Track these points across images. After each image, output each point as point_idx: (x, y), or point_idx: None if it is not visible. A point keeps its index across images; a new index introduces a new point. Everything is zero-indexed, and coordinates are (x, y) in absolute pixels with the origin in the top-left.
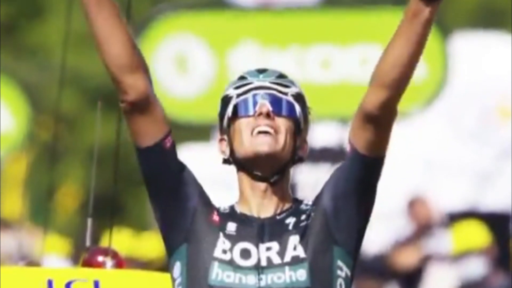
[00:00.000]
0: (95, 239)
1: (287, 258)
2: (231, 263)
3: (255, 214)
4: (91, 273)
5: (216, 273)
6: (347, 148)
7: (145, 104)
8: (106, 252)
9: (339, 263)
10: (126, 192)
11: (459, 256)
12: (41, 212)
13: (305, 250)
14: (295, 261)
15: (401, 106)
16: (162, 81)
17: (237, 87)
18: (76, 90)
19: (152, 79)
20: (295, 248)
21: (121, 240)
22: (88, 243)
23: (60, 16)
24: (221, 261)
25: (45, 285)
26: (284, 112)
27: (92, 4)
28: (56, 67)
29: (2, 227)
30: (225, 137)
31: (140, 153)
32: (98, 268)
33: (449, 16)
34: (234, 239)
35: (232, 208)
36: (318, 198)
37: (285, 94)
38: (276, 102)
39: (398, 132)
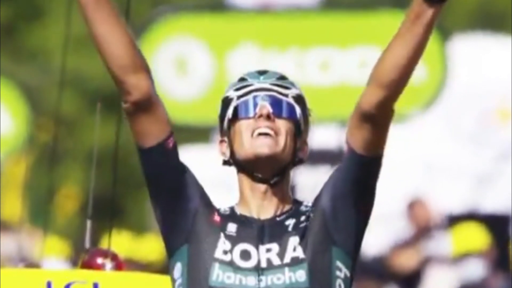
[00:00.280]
0: (95, 241)
1: (287, 259)
2: (231, 264)
3: (255, 216)
4: (90, 275)
5: (217, 274)
6: (345, 148)
7: (148, 104)
8: (106, 254)
9: (338, 263)
10: (125, 194)
11: (458, 258)
12: (40, 214)
13: (304, 251)
14: (295, 262)
15: (401, 108)
16: (162, 83)
17: (237, 89)
18: (75, 93)
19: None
20: (294, 249)
21: (120, 242)
22: (87, 245)
23: (60, 19)
24: (222, 262)
25: (44, 287)
26: (284, 114)
27: (90, 6)
28: (55, 69)
29: (2, 229)
30: (226, 138)
31: (142, 153)
32: (98, 270)
33: (448, 19)
34: (234, 240)
35: (232, 209)
36: (317, 199)
37: (286, 95)
38: (276, 103)
39: (398, 134)
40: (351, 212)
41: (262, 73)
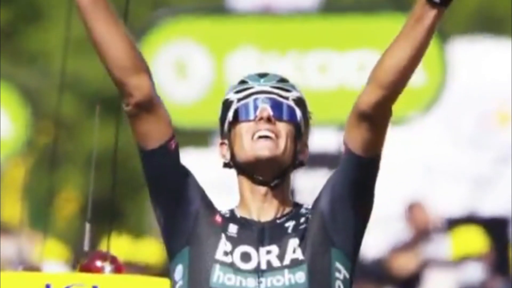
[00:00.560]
0: (94, 244)
1: (287, 261)
2: (232, 266)
3: (255, 218)
4: (90, 278)
5: (218, 275)
6: (342, 149)
7: (150, 105)
8: (105, 257)
9: (337, 265)
10: (125, 197)
11: (457, 261)
12: (40, 217)
13: (304, 253)
14: (294, 264)
15: (400, 111)
16: (161, 87)
17: (238, 91)
18: (75, 96)
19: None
20: (294, 251)
21: (120, 245)
22: (86, 248)
23: (59, 22)
24: (223, 263)
25: None
26: (285, 116)
27: (88, 8)
28: (55, 72)
29: (2, 232)
30: (226, 141)
31: (144, 156)
32: (97, 273)
33: (448, 22)
34: (235, 242)
35: (232, 212)
36: (316, 201)
37: (286, 98)
38: (277, 106)
39: (397, 137)
40: (349, 213)
41: (262, 75)
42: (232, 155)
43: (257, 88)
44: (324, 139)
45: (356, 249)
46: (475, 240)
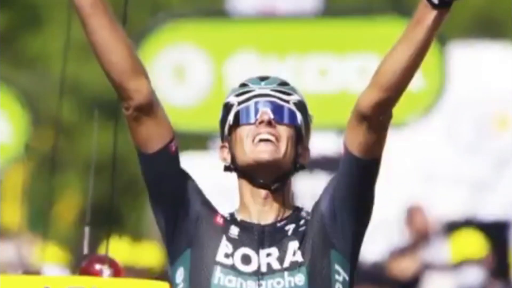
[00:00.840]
0: (93, 247)
1: (286, 264)
2: (232, 268)
3: (255, 221)
4: (88, 282)
5: (218, 277)
6: (342, 151)
7: (150, 108)
8: (103, 260)
9: (337, 267)
10: (124, 201)
11: (456, 265)
12: (40, 221)
13: (303, 255)
14: (294, 266)
15: (399, 115)
16: (161, 91)
17: (238, 95)
18: (75, 100)
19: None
20: (294, 254)
21: (119, 248)
22: (85, 251)
23: (59, 26)
24: (223, 265)
25: None
26: (285, 120)
27: (86, 11)
28: (55, 77)
29: (2, 236)
30: (226, 144)
31: (144, 160)
32: (96, 277)
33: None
34: (236, 244)
35: (232, 215)
36: (316, 204)
37: (287, 102)
38: (277, 109)
39: (396, 141)
40: (349, 216)
41: (263, 79)
42: (233, 158)
43: (258, 91)
44: (324, 143)
45: (355, 252)
46: (474, 244)
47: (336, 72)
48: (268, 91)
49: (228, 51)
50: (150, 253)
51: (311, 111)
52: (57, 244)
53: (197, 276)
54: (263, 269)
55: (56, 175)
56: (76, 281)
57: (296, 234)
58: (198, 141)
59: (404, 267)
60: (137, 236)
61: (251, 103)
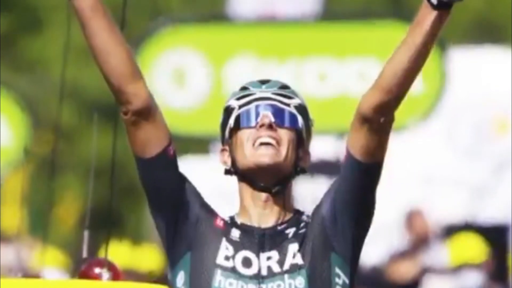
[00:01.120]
0: (93, 251)
1: (286, 266)
2: (233, 271)
3: (256, 224)
4: (88, 285)
5: (219, 280)
6: (344, 154)
7: (148, 112)
8: (103, 264)
9: (337, 270)
10: (124, 204)
11: (456, 269)
12: (39, 224)
13: (304, 258)
14: (294, 269)
15: (398, 119)
16: (160, 94)
17: (239, 98)
18: (74, 104)
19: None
20: (294, 256)
21: (119, 252)
22: (85, 255)
23: (59, 30)
24: (224, 268)
25: None
26: (286, 123)
27: (87, 14)
28: (55, 80)
29: (2, 240)
30: (227, 147)
31: (143, 164)
32: (95, 280)
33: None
34: (237, 246)
35: (232, 218)
36: (317, 207)
37: (288, 105)
38: (278, 113)
39: (395, 145)
40: (350, 219)
41: (264, 82)
42: (233, 162)
43: (259, 94)
44: (323, 147)
45: (356, 255)
46: (473, 248)
47: (336, 76)
48: (269, 95)
49: (228, 55)
50: (150, 257)
51: (310, 115)
52: (56, 248)
53: (197, 279)
54: (264, 272)
55: (56, 179)
56: (76, 285)
57: (296, 237)
58: (198, 145)
59: (404, 271)
60: (137, 239)
61: (252, 106)
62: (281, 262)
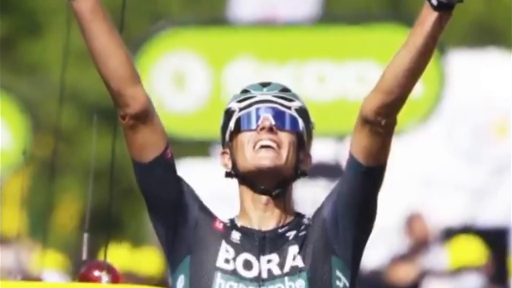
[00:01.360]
0: (93, 254)
1: (287, 269)
2: (234, 273)
3: (256, 227)
4: None
5: (219, 283)
6: (347, 158)
7: (146, 116)
8: (102, 266)
9: (338, 273)
10: (124, 207)
11: (456, 272)
12: (39, 227)
13: (304, 260)
14: (294, 271)
15: (397, 122)
16: (160, 97)
17: (240, 101)
18: (74, 107)
19: (149, 95)
20: (294, 258)
21: (119, 254)
22: (84, 257)
23: (59, 33)
24: (224, 271)
25: None
26: (287, 126)
27: (86, 16)
28: (54, 83)
29: (1, 242)
30: (228, 150)
31: (141, 169)
32: (94, 283)
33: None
34: (238, 248)
35: (232, 221)
36: (319, 210)
37: (288, 108)
38: (279, 116)
39: (395, 148)
40: (351, 222)
41: (265, 85)
42: (234, 165)
43: (260, 97)
44: (322, 150)
45: (357, 259)
46: (473, 251)
47: (335, 79)
48: (269, 97)
49: (227, 58)
50: (150, 260)
51: (311, 117)
52: (56, 250)
53: (197, 283)
54: (264, 275)
55: (56, 181)
56: (75, 287)
57: (296, 239)
58: (198, 148)
59: (404, 274)
60: (136, 242)
61: (253, 109)
62: (281, 265)
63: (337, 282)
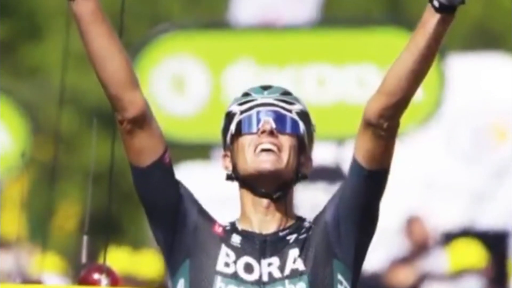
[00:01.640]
0: (93, 257)
1: (287, 272)
2: (234, 277)
3: (257, 231)
4: None
5: (219, 287)
6: (351, 161)
7: (143, 120)
8: (102, 269)
9: (339, 277)
10: (124, 210)
11: (455, 275)
12: (39, 230)
13: (305, 263)
14: (295, 274)
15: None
16: (160, 101)
17: (241, 104)
18: (74, 110)
19: (148, 98)
20: (294, 261)
21: (118, 258)
22: (84, 260)
23: (59, 36)
24: (224, 275)
25: None
26: (288, 129)
27: (86, 18)
28: (54, 87)
29: (1, 246)
30: (228, 153)
31: (139, 173)
32: (94, 286)
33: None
34: (238, 252)
35: (232, 225)
36: (321, 213)
37: (289, 111)
38: (280, 119)
39: (395, 152)
40: (353, 226)
41: (266, 88)
42: (234, 168)
43: (260, 100)
44: (322, 153)
45: (358, 262)
46: (473, 254)
47: (335, 82)
48: (270, 101)
49: (227, 61)
50: (150, 263)
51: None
52: (56, 254)
53: (197, 287)
54: (265, 278)
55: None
56: None
57: (296, 242)
58: (198, 151)
59: (403, 277)
60: (136, 245)
61: (253, 112)
62: (281, 268)
63: (339, 286)
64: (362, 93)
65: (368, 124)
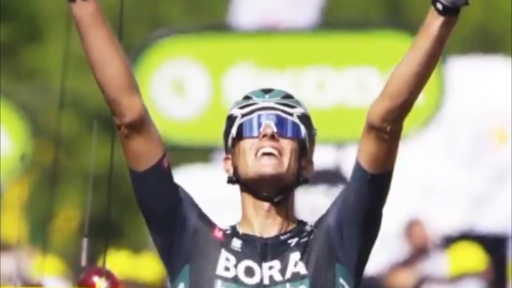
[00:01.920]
0: (93, 260)
1: (288, 275)
2: (235, 281)
3: (258, 234)
4: None
5: None
6: (354, 165)
7: (141, 125)
8: (101, 272)
9: (341, 281)
10: (124, 214)
11: (455, 279)
12: (39, 233)
13: (307, 267)
14: (296, 278)
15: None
16: (160, 105)
17: (242, 107)
18: (74, 113)
19: (147, 102)
20: (295, 265)
21: (118, 261)
22: (83, 263)
23: (59, 40)
24: (224, 279)
25: None
26: (289, 133)
27: (86, 20)
28: (55, 90)
29: (2, 249)
30: (230, 156)
31: (137, 178)
32: None
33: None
34: (239, 256)
35: (233, 228)
36: (323, 217)
37: (291, 114)
38: (281, 123)
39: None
40: (355, 230)
41: (267, 91)
42: (235, 171)
43: (262, 104)
44: (322, 156)
45: (361, 266)
46: (473, 257)
47: (335, 86)
48: (271, 104)
49: (227, 65)
50: (150, 266)
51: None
52: (56, 257)
53: None
54: (266, 281)
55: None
56: None
57: (298, 246)
58: (198, 155)
59: (403, 280)
60: (136, 248)
61: (254, 116)
62: (282, 271)
63: None
64: (362, 96)
65: (371, 128)
